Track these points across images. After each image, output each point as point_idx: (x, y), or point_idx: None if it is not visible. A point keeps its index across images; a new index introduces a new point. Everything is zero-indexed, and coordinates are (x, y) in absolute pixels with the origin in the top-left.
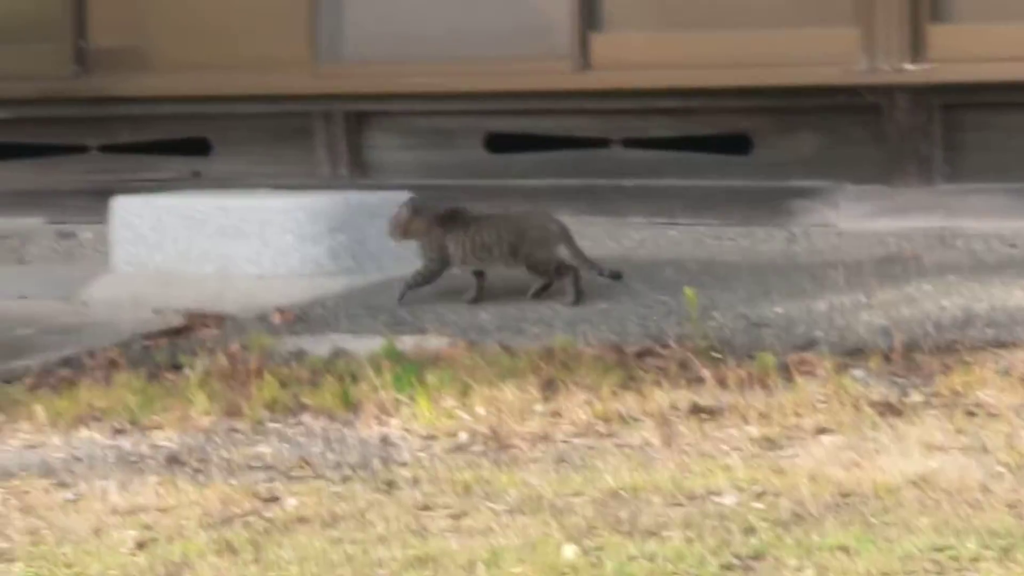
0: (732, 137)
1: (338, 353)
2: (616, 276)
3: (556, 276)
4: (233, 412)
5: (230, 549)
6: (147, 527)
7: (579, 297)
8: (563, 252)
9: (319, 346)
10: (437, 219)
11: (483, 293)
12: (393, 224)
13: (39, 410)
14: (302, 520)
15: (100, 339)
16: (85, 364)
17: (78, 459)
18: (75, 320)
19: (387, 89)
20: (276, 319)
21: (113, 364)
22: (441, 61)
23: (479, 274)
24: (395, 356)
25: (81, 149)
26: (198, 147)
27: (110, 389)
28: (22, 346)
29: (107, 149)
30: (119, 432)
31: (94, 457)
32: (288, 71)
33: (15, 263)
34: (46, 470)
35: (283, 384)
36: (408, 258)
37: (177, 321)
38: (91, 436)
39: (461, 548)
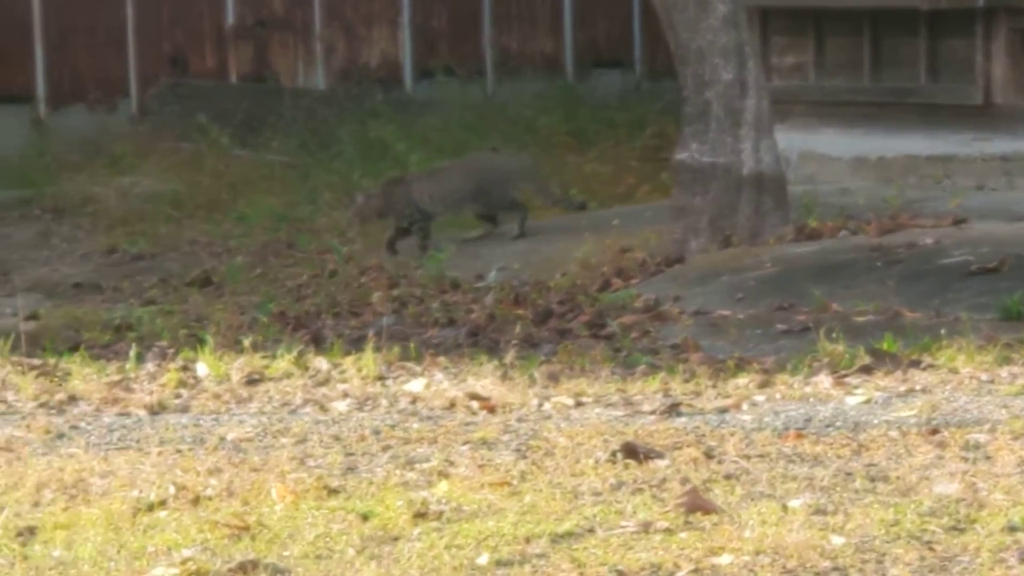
0: None
1: None
2: (582, 207)
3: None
4: None
5: None
6: None
7: (522, 232)
8: (526, 190)
9: None
10: (389, 185)
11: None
12: (352, 214)
13: None
14: None
15: None
16: None
17: None
18: None
19: None
20: None
21: None
22: None
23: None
24: None
25: None
26: None
27: None
28: None
29: None
30: None
31: None
32: None
33: None
34: None
35: None
36: None
37: None
38: None
39: None
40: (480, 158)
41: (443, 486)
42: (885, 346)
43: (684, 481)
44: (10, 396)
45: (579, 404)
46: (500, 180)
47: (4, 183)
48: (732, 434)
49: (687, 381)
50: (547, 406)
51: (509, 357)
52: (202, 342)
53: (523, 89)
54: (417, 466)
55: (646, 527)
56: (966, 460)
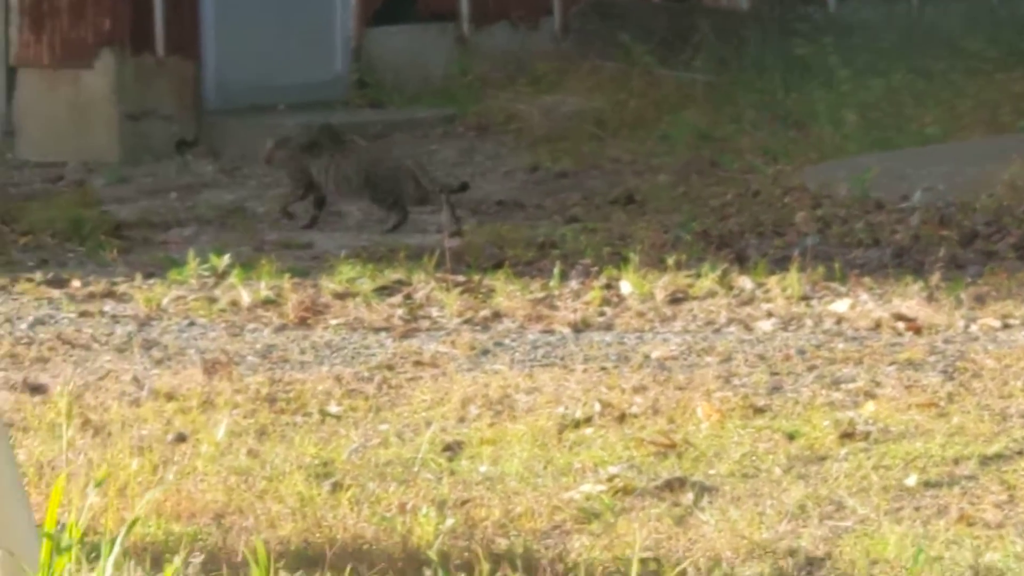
0: None
1: None
2: (463, 187)
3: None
4: None
5: None
6: None
7: (458, 222)
8: (416, 186)
9: None
10: (300, 148)
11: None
12: (261, 154)
13: None
14: None
15: None
16: None
17: None
18: None
19: None
20: None
21: None
22: None
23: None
24: None
25: None
26: None
27: None
28: None
29: None
30: None
31: None
32: None
33: None
34: None
35: None
36: None
37: None
38: None
39: None
40: (373, 148)
41: (870, 407)
42: None
43: None
44: (435, 312)
45: (1006, 326)
46: (388, 175)
47: (429, 101)
48: None
49: None
50: (974, 328)
51: (935, 278)
52: (625, 260)
53: (948, 9)
54: (843, 386)
55: None
56: None
